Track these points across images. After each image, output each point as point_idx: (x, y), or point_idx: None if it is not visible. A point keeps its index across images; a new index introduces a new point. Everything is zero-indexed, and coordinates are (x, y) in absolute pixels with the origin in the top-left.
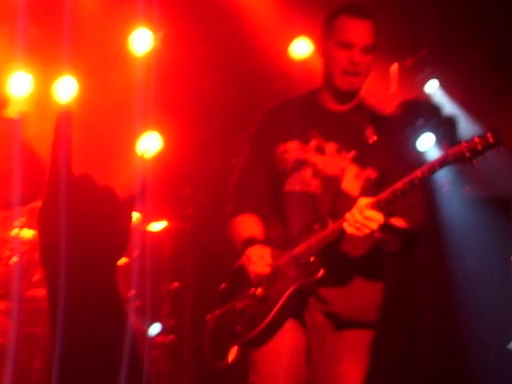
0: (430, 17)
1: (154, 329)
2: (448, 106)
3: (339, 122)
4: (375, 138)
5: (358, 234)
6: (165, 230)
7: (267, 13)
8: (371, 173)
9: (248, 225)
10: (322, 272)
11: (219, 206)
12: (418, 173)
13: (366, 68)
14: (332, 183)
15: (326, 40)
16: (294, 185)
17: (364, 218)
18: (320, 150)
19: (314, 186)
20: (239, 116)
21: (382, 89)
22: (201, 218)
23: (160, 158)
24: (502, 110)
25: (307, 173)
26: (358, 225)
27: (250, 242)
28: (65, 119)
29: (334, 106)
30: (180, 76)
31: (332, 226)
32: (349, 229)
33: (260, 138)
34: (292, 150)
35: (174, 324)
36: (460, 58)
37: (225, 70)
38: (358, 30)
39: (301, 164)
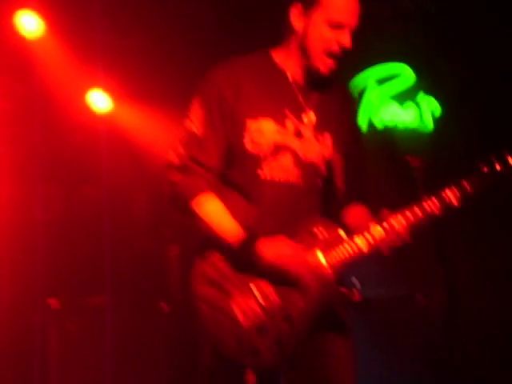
0: None
1: None
2: None
3: (311, 101)
4: (347, 123)
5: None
6: None
7: (63, 65)
8: (341, 159)
9: (223, 210)
10: (358, 296)
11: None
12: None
13: (350, 48)
14: (310, 171)
15: (312, 10)
16: (271, 171)
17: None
18: (298, 134)
19: (295, 175)
20: (39, 169)
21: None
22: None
23: None
24: None
25: (287, 160)
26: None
27: (255, 235)
28: None
29: (303, 83)
30: None
31: (364, 244)
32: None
33: (218, 111)
34: (268, 131)
35: None
36: None
37: (24, 124)
38: (351, 11)
39: (279, 149)
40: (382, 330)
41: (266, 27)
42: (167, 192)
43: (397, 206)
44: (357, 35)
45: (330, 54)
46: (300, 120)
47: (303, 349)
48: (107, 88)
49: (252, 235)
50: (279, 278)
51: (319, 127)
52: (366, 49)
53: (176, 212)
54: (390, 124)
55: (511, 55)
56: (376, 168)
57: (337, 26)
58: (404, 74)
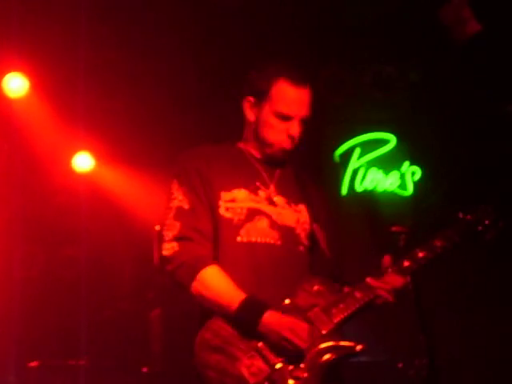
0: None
1: None
2: None
3: (275, 176)
4: (314, 193)
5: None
6: None
7: (48, 127)
8: (321, 229)
9: (229, 281)
10: (362, 346)
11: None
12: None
13: (301, 135)
14: (289, 234)
15: (261, 100)
16: (250, 236)
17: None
18: (271, 202)
19: (273, 237)
20: (21, 229)
21: (163, 201)
22: None
23: None
24: None
25: (263, 223)
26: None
27: (262, 306)
28: None
29: (265, 164)
30: None
31: (363, 296)
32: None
33: (198, 182)
34: (241, 199)
35: None
36: None
37: (7, 186)
38: (299, 102)
39: (254, 214)
40: None
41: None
42: (167, 266)
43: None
44: (340, 103)
45: (281, 141)
46: (270, 192)
47: None
48: (90, 148)
49: (259, 305)
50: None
51: (289, 199)
52: (350, 116)
53: (178, 284)
54: (371, 188)
55: (493, 120)
56: (356, 231)
57: (285, 118)
58: (387, 141)
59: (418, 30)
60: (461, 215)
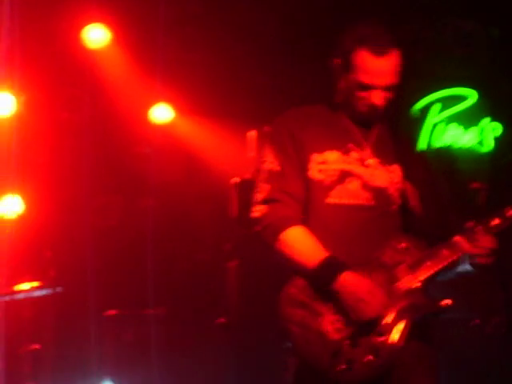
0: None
1: None
2: None
3: (371, 138)
4: (410, 151)
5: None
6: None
7: (128, 78)
8: (413, 188)
9: (313, 241)
10: (448, 302)
11: (81, 267)
12: None
13: (389, 99)
14: (382, 195)
15: (345, 66)
16: (341, 197)
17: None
18: (363, 163)
19: (365, 198)
20: (101, 179)
21: (241, 153)
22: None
23: (21, 220)
24: None
25: (355, 185)
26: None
27: (341, 265)
28: None
29: (359, 125)
30: (42, 140)
31: (451, 254)
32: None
33: (290, 144)
34: (333, 160)
35: None
36: None
37: (87, 135)
38: (380, 72)
39: (345, 176)
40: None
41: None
42: (255, 227)
43: (459, 228)
44: (420, 59)
45: (366, 112)
46: (363, 153)
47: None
48: (168, 100)
49: (337, 265)
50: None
51: (384, 159)
52: (430, 72)
53: (265, 244)
54: (450, 144)
55: None
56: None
57: (367, 87)
58: (467, 97)
59: None
60: None
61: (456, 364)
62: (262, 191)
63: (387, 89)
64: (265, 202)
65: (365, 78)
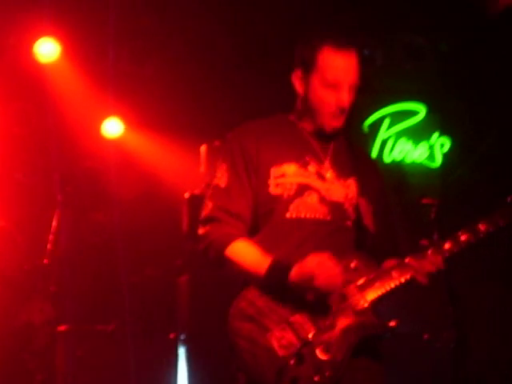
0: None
1: None
2: None
3: (328, 151)
4: (367, 166)
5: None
6: None
7: (78, 92)
8: (367, 203)
9: (257, 249)
10: (395, 322)
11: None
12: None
13: (351, 103)
14: (338, 209)
15: (307, 71)
16: (299, 211)
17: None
18: (320, 176)
19: (322, 213)
20: (48, 196)
21: (192, 168)
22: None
23: None
24: None
25: (313, 199)
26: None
27: (288, 264)
28: None
29: (318, 138)
30: None
31: (400, 276)
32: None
33: (241, 161)
34: (291, 174)
35: None
36: None
37: (36, 149)
38: (346, 68)
39: (304, 189)
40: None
41: (280, 60)
42: (200, 247)
43: (410, 243)
44: (368, 75)
45: (332, 115)
46: (321, 166)
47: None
48: (119, 114)
49: (283, 260)
50: (315, 303)
51: (340, 173)
52: (379, 87)
53: (211, 262)
54: (399, 159)
55: None
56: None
57: (333, 86)
58: (417, 112)
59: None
60: (509, 199)
61: (406, 378)
62: (205, 208)
63: (351, 88)
64: (206, 220)
65: (330, 75)
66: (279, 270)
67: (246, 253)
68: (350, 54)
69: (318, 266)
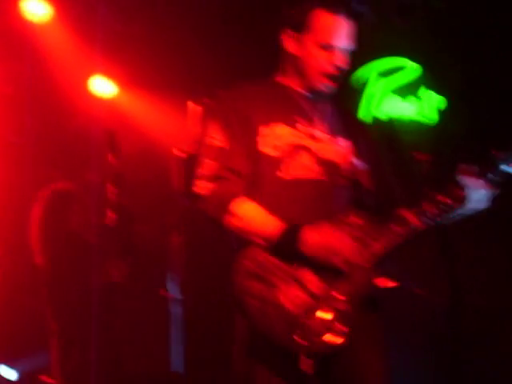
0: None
1: None
2: None
3: (318, 111)
4: (354, 127)
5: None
6: None
7: (68, 50)
8: (360, 162)
9: (265, 212)
10: (394, 284)
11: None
12: None
13: (346, 67)
14: (333, 169)
15: (303, 34)
16: (292, 171)
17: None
18: (312, 136)
19: (317, 173)
20: (43, 154)
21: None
22: None
23: None
24: None
25: (306, 159)
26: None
27: (298, 226)
28: None
29: (308, 98)
30: None
31: (402, 231)
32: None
33: (234, 119)
34: (281, 133)
35: None
36: None
37: (27, 108)
38: (341, 31)
39: (297, 149)
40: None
41: (269, 17)
42: (201, 204)
43: (405, 200)
44: (360, 28)
45: (326, 75)
46: (311, 125)
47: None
48: (110, 74)
49: (295, 225)
50: (323, 265)
51: (331, 132)
52: (370, 42)
53: (213, 220)
54: (389, 115)
55: None
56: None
57: (329, 47)
58: (407, 68)
59: None
60: (493, 152)
61: (401, 332)
62: (206, 167)
63: (346, 51)
64: (211, 179)
65: (326, 37)
66: (293, 237)
67: (255, 214)
68: (343, 17)
69: (339, 244)
